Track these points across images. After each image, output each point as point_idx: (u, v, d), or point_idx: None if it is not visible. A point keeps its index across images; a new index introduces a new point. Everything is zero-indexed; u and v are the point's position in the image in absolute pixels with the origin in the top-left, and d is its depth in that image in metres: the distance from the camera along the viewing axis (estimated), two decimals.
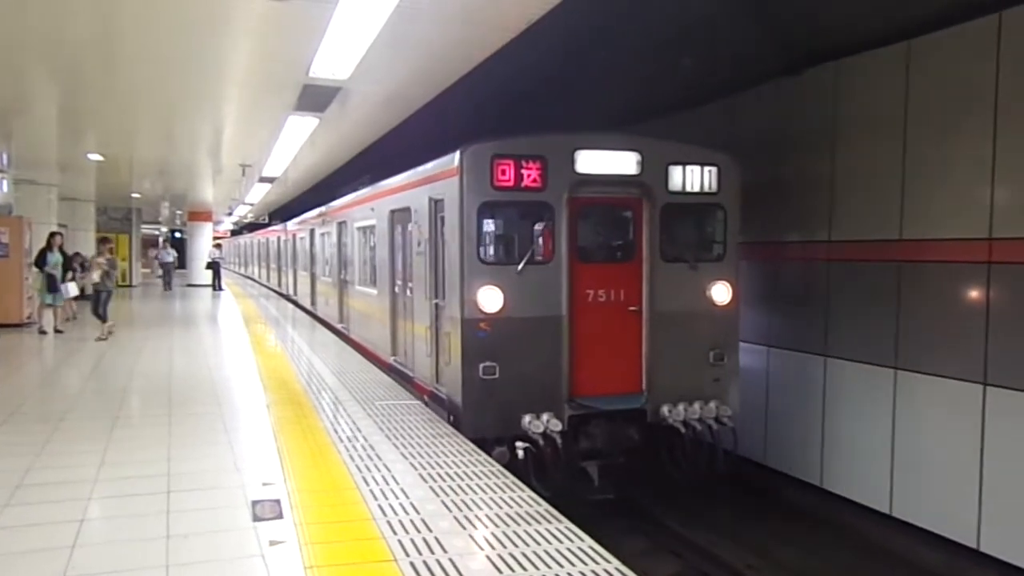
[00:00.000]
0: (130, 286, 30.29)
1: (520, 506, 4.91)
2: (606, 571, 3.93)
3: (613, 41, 10.06)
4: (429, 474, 5.56)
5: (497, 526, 4.56)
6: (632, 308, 7.92)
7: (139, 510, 4.83)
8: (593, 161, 7.70)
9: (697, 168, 8.08)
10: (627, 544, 7.22)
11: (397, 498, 5.02)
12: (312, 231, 19.41)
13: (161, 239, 47.37)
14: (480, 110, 12.47)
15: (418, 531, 4.43)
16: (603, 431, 7.79)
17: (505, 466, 6.00)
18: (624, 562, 4.05)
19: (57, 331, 14.35)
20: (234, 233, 55.25)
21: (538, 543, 4.29)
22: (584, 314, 7.74)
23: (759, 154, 9.47)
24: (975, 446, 7.17)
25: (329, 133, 11.78)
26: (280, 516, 4.69)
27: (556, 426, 7.31)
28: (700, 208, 8.35)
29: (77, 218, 24.19)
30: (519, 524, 4.59)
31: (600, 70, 11.06)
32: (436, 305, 8.43)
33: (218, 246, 37.54)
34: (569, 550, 4.19)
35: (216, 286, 29.09)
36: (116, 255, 16.23)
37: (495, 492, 5.19)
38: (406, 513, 4.73)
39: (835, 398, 8.83)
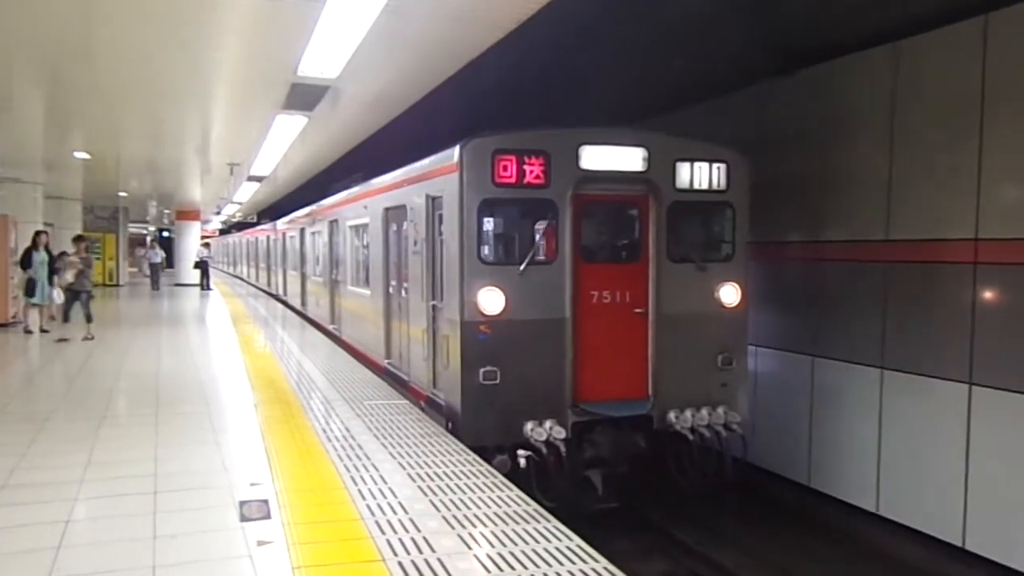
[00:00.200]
0: (117, 285, 30.16)
1: (508, 505, 4.91)
2: (594, 570, 3.94)
3: (614, 38, 10.00)
4: (417, 474, 5.56)
5: (485, 525, 4.56)
6: (638, 310, 7.63)
7: (126, 510, 4.80)
8: (598, 157, 7.39)
9: (705, 164, 7.79)
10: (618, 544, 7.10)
11: (385, 498, 5.01)
12: (302, 230, 19.21)
13: (149, 238, 47.06)
14: (474, 108, 12.42)
15: (406, 531, 4.43)
16: (608, 438, 7.45)
17: (506, 475, 5.80)
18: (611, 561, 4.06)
19: (43, 331, 14.23)
20: (223, 232, 54.98)
21: (527, 542, 4.30)
22: (588, 316, 7.45)
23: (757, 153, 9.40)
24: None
25: (318, 132, 11.74)
26: (268, 516, 4.67)
27: (560, 433, 7.04)
28: (708, 206, 8.06)
29: (63, 217, 23.98)
30: (507, 523, 4.59)
31: (593, 68, 11.04)
32: (433, 307, 8.20)
33: (206, 245, 37.33)
34: (558, 549, 4.20)
35: (204, 285, 28.95)
36: (91, 253, 16.02)
37: (483, 492, 5.19)
38: (394, 513, 4.73)
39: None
